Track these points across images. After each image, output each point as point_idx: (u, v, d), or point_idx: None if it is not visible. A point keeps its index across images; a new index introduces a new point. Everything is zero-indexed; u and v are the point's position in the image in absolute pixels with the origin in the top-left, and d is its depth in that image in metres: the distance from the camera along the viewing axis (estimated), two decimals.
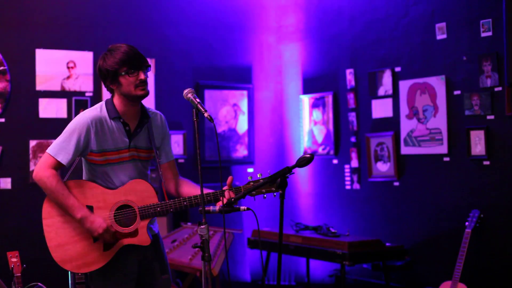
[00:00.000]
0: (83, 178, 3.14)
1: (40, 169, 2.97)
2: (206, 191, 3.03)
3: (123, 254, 3.03)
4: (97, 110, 3.04)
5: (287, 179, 2.82)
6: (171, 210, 3.01)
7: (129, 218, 3.02)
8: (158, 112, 3.23)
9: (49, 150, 3.00)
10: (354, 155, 5.86)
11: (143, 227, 3.02)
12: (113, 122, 3.03)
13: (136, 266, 3.08)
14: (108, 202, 3.02)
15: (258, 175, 3.03)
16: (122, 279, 3.04)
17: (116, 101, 3.05)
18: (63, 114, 5.47)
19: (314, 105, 6.30)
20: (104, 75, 3.01)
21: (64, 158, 2.96)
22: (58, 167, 2.98)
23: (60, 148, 2.97)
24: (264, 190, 3.01)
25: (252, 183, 3.01)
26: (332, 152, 6.10)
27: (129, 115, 3.06)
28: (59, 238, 2.99)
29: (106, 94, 5.61)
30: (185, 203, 3.01)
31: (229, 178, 3.02)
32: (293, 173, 2.84)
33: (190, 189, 3.16)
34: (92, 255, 2.98)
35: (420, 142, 5.26)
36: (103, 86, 5.60)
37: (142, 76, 2.98)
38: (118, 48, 2.99)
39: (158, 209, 3.01)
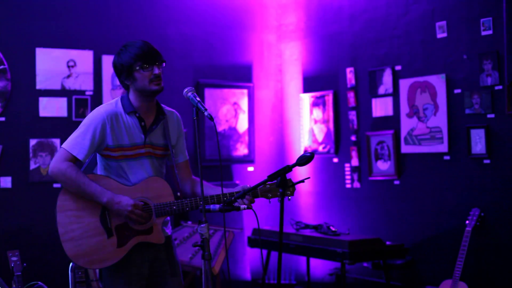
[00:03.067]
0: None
1: (56, 163, 2.93)
2: (224, 191, 3.03)
3: (136, 254, 3.01)
4: (113, 105, 3.04)
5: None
6: (187, 208, 3.00)
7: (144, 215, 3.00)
8: (174, 110, 3.22)
9: (64, 145, 2.97)
10: (354, 153, 5.86)
11: (158, 225, 3.01)
12: (129, 117, 3.02)
13: (147, 267, 3.06)
14: None
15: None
16: (133, 279, 3.02)
17: (132, 96, 3.04)
18: (64, 113, 5.47)
19: (314, 104, 6.30)
20: (119, 70, 3.02)
21: (79, 153, 2.94)
22: (74, 161, 2.95)
23: (76, 142, 2.95)
24: (279, 193, 3.01)
25: (267, 180, 2.97)
26: (332, 150, 6.10)
27: (145, 111, 3.05)
28: (73, 233, 2.94)
29: (106, 93, 5.61)
30: (201, 202, 2.97)
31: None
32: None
33: (206, 189, 3.14)
34: (106, 251, 2.95)
35: (421, 141, 5.26)
36: (103, 85, 5.61)
37: (156, 71, 2.99)
38: (133, 44, 3.00)
39: (174, 207, 2.99)
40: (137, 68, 2.97)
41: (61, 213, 2.95)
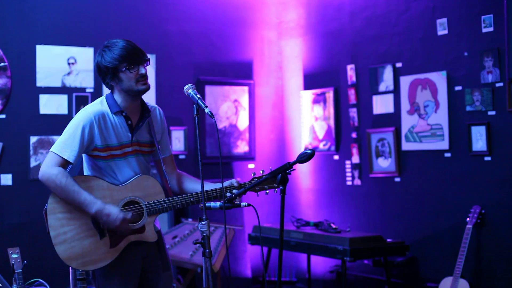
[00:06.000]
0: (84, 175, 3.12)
1: (47, 168, 2.90)
2: (210, 186, 3.04)
3: (128, 252, 3.01)
4: (99, 105, 3.02)
5: (288, 175, 2.81)
6: (178, 206, 3.00)
7: (135, 214, 2.99)
8: (156, 106, 3.21)
9: (53, 148, 2.95)
10: (355, 151, 5.86)
11: (150, 223, 3.01)
12: (115, 116, 3.01)
13: (139, 263, 3.07)
14: (114, 198, 2.98)
15: (261, 171, 3.05)
16: (127, 276, 3.03)
17: (117, 96, 3.03)
18: (64, 110, 5.47)
19: (315, 101, 6.29)
20: (103, 72, 2.99)
21: (70, 156, 2.91)
22: (65, 165, 2.93)
23: (65, 145, 2.93)
24: (267, 186, 3.04)
25: (256, 179, 3.02)
26: (333, 148, 6.09)
27: (131, 110, 3.04)
28: (65, 235, 2.92)
29: (106, 91, 5.60)
30: (191, 199, 3.00)
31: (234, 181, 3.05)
32: (294, 169, 2.83)
33: (193, 184, 3.15)
34: (98, 252, 2.94)
35: (421, 138, 5.26)
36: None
37: (142, 71, 2.96)
38: (116, 44, 2.96)
39: (166, 205, 2.99)
40: (123, 69, 2.94)
41: (51, 216, 2.93)
